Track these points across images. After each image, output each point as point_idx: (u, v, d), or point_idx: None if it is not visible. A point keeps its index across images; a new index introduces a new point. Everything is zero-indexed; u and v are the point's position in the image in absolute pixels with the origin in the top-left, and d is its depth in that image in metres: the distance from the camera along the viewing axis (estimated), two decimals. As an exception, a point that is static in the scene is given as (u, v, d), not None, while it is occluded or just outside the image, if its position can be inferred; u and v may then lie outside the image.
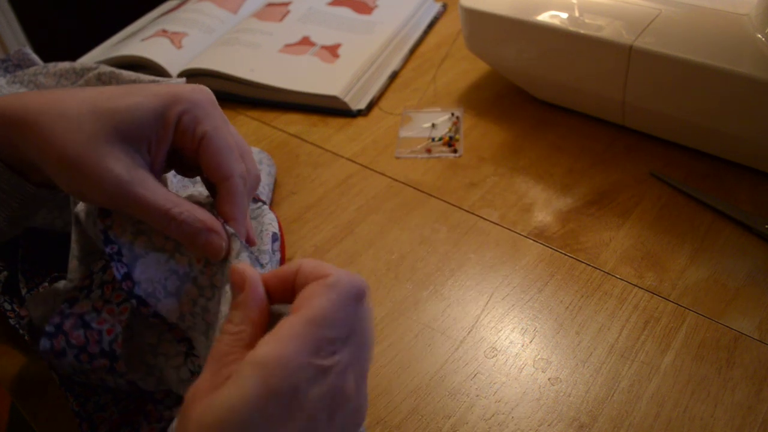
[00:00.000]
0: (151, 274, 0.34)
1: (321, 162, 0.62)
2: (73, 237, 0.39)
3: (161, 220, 0.33)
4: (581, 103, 0.63)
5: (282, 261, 0.47)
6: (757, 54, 0.50)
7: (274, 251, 0.46)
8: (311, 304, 0.28)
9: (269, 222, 0.48)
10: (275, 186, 0.60)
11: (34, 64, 0.69)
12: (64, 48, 0.72)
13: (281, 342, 0.26)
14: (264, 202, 0.51)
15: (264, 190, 0.55)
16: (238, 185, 0.36)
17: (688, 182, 0.56)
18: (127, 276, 0.34)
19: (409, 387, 0.43)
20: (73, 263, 0.39)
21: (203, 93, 0.37)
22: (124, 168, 0.33)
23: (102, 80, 0.62)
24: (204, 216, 0.34)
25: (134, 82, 0.60)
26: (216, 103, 0.37)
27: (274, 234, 0.47)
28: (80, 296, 0.38)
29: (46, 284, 0.46)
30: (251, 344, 0.29)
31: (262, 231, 0.47)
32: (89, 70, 0.64)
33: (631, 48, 0.54)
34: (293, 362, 0.26)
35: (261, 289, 0.30)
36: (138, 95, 0.34)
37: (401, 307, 0.48)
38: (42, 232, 0.47)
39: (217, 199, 0.36)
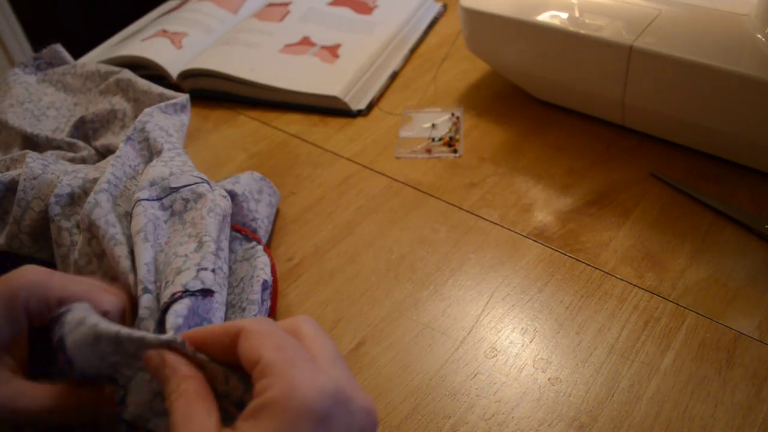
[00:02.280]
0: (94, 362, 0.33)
1: (321, 162, 0.62)
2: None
3: (45, 421, 0.33)
4: (581, 103, 0.63)
5: (273, 309, 0.46)
6: (757, 54, 0.50)
7: (263, 300, 0.44)
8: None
9: (261, 266, 0.46)
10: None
11: (65, 62, 0.69)
12: (64, 48, 0.72)
13: None
14: (259, 242, 0.49)
15: (263, 224, 0.52)
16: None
17: (688, 182, 0.56)
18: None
19: (409, 387, 0.43)
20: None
21: (32, 271, 0.34)
22: None
23: (120, 86, 0.62)
24: (71, 399, 0.32)
25: (146, 92, 0.60)
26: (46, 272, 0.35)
27: (265, 282, 0.45)
28: None
29: None
30: (200, 391, 0.29)
31: (252, 276, 0.45)
32: (112, 74, 0.64)
33: (631, 48, 0.54)
34: None
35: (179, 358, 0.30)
36: None
37: (401, 307, 0.48)
38: (31, 260, 0.46)
39: None
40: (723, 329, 0.45)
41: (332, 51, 0.74)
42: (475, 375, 0.43)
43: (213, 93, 0.72)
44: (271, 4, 0.84)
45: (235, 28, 0.79)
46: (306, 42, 0.76)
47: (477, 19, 0.63)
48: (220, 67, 0.71)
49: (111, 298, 0.36)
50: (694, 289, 0.47)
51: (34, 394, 0.32)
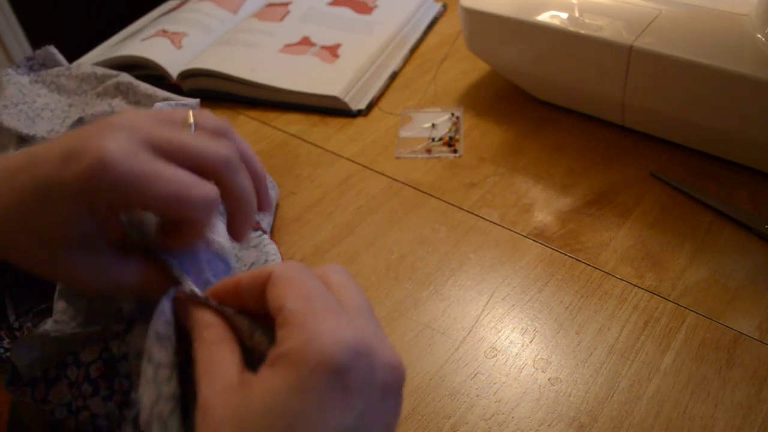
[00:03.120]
0: None
1: (321, 162, 0.62)
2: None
3: (133, 294, 0.32)
4: (581, 103, 0.63)
5: None
6: (757, 54, 0.50)
7: None
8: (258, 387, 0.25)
9: (273, 252, 0.47)
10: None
11: (59, 63, 0.69)
12: (64, 48, 0.72)
13: None
14: (264, 231, 0.49)
15: (264, 216, 0.52)
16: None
17: (688, 182, 0.56)
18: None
19: (409, 387, 0.43)
20: (60, 304, 0.37)
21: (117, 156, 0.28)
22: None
23: (120, 89, 0.62)
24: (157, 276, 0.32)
25: (150, 96, 0.60)
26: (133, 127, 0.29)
27: None
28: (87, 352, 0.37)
29: (29, 325, 0.44)
30: (223, 337, 0.28)
31: (266, 261, 0.45)
32: (109, 77, 0.64)
33: (631, 48, 0.54)
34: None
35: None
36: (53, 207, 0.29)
37: (401, 307, 0.48)
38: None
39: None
40: (723, 329, 0.45)
41: (332, 51, 0.74)
42: (475, 375, 0.43)
43: (213, 93, 0.72)
44: (271, 4, 0.84)
45: (235, 28, 0.79)
46: (306, 42, 0.76)
47: (477, 19, 0.63)
48: (220, 67, 0.70)
49: (200, 198, 0.30)
50: (694, 289, 0.47)
51: (124, 268, 0.31)
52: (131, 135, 0.29)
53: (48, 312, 0.44)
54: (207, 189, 0.30)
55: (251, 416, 0.24)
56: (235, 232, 0.33)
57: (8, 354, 0.44)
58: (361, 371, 0.25)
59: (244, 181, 0.32)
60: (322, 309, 0.26)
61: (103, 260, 0.31)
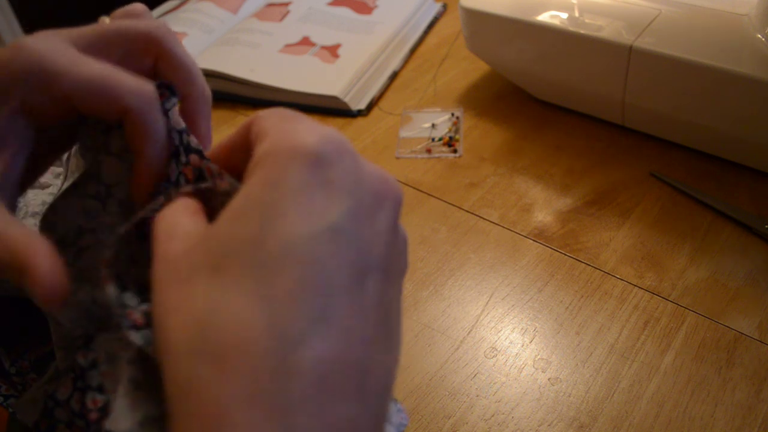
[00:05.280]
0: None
1: (321, 162, 0.62)
2: (51, 327, 0.37)
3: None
4: (581, 103, 0.63)
5: None
6: (757, 54, 0.50)
7: None
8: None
9: None
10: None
11: None
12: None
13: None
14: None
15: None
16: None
17: (688, 182, 0.56)
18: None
19: (409, 387, 0.43)
20: (59, 354, 0.37)
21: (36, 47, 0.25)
22: None
23: None
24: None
25: None
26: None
27: None
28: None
29: (33, 375, 0.44)
30: (189, 206, 0.25)
31: None
32: None
33: (631, 48, 0.54)
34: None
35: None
36: None
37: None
38: (13, 300, 0.43)
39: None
40: (723, 329, 0.45)
41: (332, 51, 0.74)
42: (475, 375, 0.43)
43: (213, 93, 0.72)
44: (271, 4, 0.84)
45: (235, 28, 0.79)
46: (306, 42, 0.76)
47: (477, 19, 0.63)
48: (220, 67, 0.70)
49: (133, 84, 0.27)
50: (694, 289, 0.47)
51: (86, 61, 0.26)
52: (50, 34, 0.26)
53: (50, 356, 0.43)
54: (135, 79, 0.26)
55: (218, 230, 0.21)
56: (191, 110, 0.28)
57: (7, 402, 0.43)
58: (345, 168, 0.21)
59: (186, 53, 0.29)
60: (302, 119, 0.23)
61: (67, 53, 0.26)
